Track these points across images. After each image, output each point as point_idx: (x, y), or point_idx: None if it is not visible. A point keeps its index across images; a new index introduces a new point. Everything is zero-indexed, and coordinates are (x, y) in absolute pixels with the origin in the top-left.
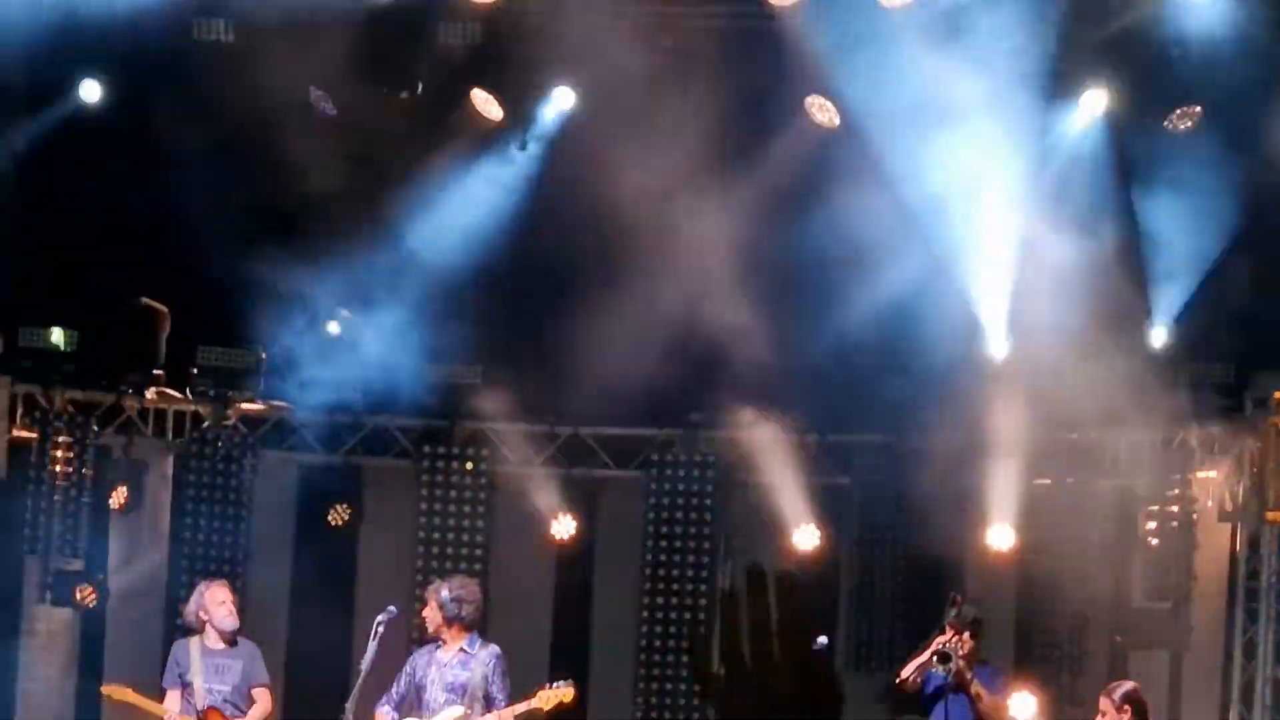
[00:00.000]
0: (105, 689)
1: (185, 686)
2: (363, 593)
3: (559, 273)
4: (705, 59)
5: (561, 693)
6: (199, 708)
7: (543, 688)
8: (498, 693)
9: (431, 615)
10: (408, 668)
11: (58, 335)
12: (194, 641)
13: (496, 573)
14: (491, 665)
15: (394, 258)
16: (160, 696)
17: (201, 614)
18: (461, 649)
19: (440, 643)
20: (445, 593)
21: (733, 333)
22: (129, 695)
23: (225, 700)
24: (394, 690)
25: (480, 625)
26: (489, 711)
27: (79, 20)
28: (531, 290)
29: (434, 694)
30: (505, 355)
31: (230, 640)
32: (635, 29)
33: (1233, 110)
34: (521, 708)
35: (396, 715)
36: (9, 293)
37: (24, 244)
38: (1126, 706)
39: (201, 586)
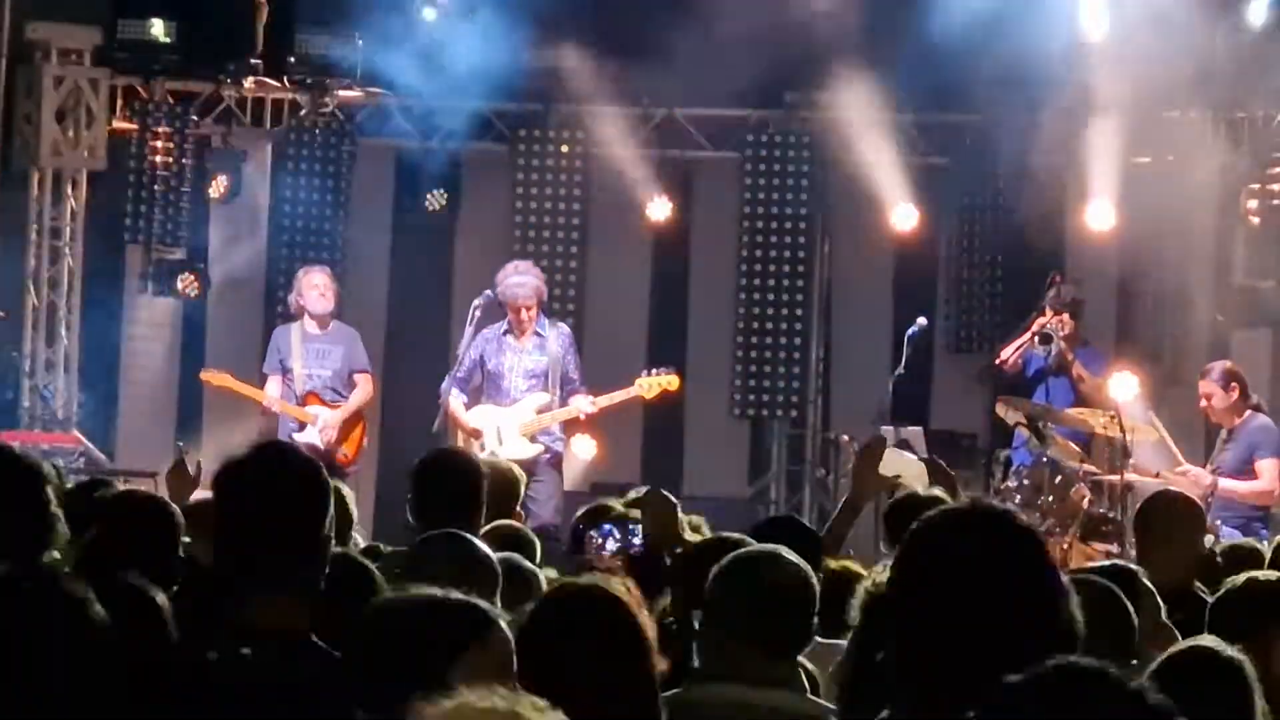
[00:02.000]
0: (204, 375)
1: (286, 373)
2: (459, 277)
3: None
4: None
5: (665, 380)
6: (299, 392)
7: (642, 374)
8: (573, 371)
9: (535, 312)
10: (474, 352)
11: (157, 26)
12: (294, 328)
13: (593, 257)
14: (564, 343)
15: None
16: (260, 383)
17: (299, 299)
18: (535, 332)
19: (508, 327)
20: (541, 284)
21: (828, 9)
22: (227, 380)
23: (325, 385)
24: (459, 373)
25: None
26: (568, 389)
27: None
28: None
29: (514, 381)
30: (599, 36)
31: (325, 324)
32: None
33: None
34: (620, 396)
35: (465, 399)
36: None
37: None
38: (1235, 385)
39: (300, 272)
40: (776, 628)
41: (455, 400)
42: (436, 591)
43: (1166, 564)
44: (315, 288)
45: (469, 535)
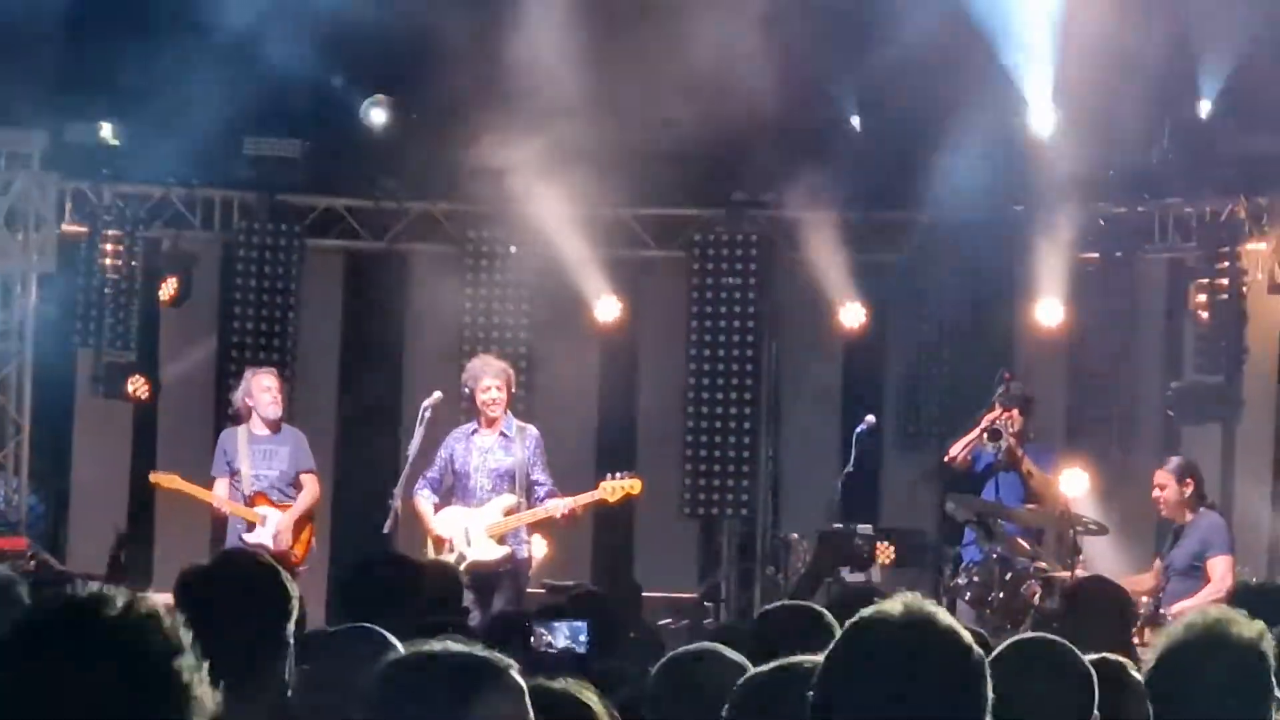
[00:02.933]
0: (154, 477)
1: (233, 474)
2: (409, 378)
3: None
4: None
5: (628, 484)
6: (246, 493)
7: (605, 479)
8: (540, 474)
9: (502, 398)
10: (444, 451)
11: (105, 130)
12: (241, 430)
13: (541, 357)
14: (532, 447)
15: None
16: (209, 486)
17: (247, 400)
18: (501, 433)
19: (476, 426)
20: (508, 369)
21: (775, 111)
22: (176, 482)
23: (272, 485)
24: (430, 474)
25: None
26: (533, 494)
27: None
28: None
29: (479, 481)
30: (547, 137)
31: (275, 427)
32: None
33: None
34: (585, 499)
35: (436, 499)
36: (56, 89)
37: (70, 40)
38: (1189, 480)
39: (248, 374)
40: None
41: (426, 502)
42: (449, 645)
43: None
44: (267, 391)
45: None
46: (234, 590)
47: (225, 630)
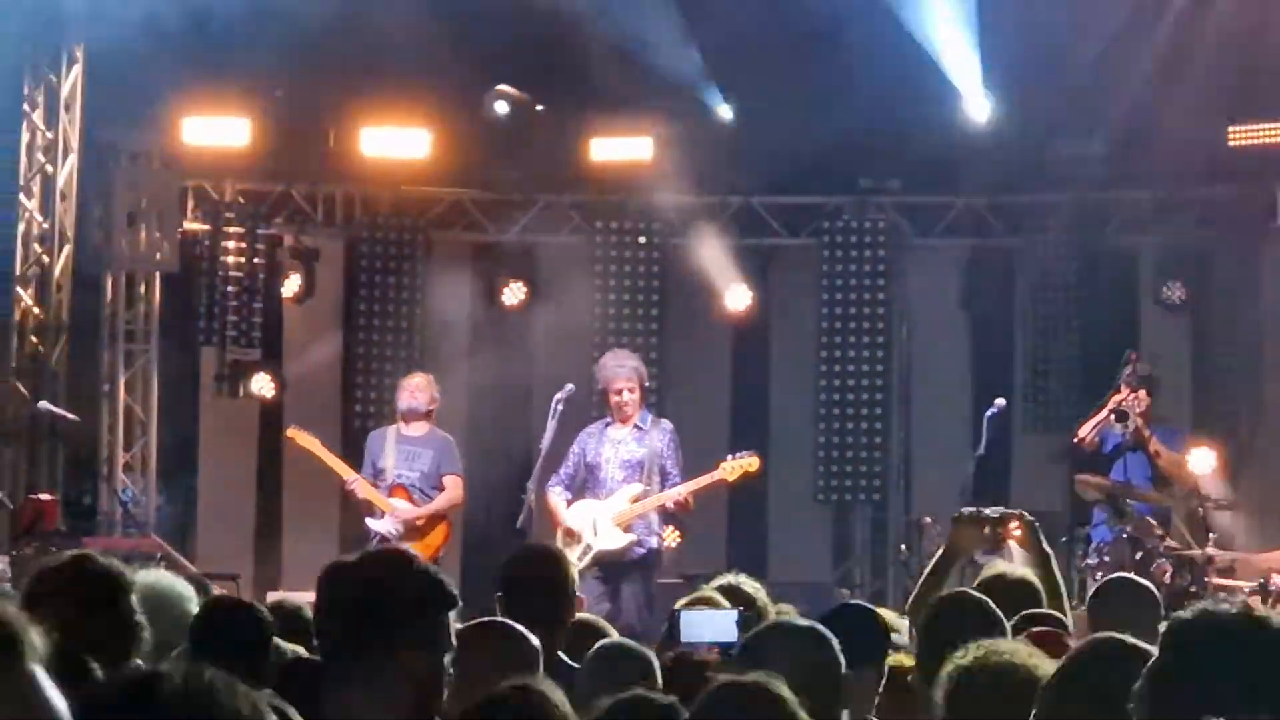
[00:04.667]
0: (290, 432)
1: (377, 474)
2: (539, 370)
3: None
4: None
5: (745, 462)
6: (386, 485)
7: (724, 460)
8: (672, 467)
9: (635, 399)
10: (576, 447)
11: (226, 127)
12: (390, 429)
13: (673, 347)
14: (666, 440)
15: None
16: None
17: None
18: (635, 425)
19: (609, 420)
20: (641, 367)
21: (898, 97)
22: (313, 444)
23: (413, 485)
24: (563, 470)
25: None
26: (668, 485)
27: None
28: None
29: (610, 472)
30: (674, 127)
31: (415, 422)
32: None
33: None
34: (704, 480)
35: (570, 495)
36: (176, 88)
37: (190, 37)
38: None
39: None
40: None
41: (558, 497)
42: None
43: None
44: (406, 389)
45: (508, 620)
46: (379, 584)
47: (368, 623)
